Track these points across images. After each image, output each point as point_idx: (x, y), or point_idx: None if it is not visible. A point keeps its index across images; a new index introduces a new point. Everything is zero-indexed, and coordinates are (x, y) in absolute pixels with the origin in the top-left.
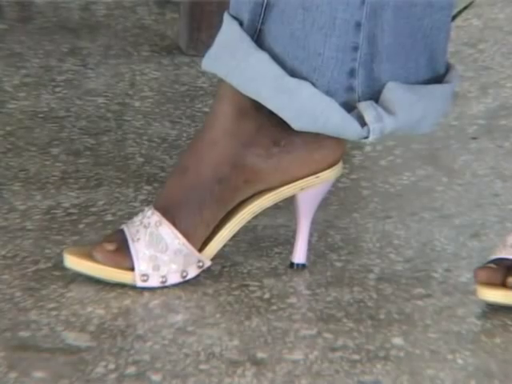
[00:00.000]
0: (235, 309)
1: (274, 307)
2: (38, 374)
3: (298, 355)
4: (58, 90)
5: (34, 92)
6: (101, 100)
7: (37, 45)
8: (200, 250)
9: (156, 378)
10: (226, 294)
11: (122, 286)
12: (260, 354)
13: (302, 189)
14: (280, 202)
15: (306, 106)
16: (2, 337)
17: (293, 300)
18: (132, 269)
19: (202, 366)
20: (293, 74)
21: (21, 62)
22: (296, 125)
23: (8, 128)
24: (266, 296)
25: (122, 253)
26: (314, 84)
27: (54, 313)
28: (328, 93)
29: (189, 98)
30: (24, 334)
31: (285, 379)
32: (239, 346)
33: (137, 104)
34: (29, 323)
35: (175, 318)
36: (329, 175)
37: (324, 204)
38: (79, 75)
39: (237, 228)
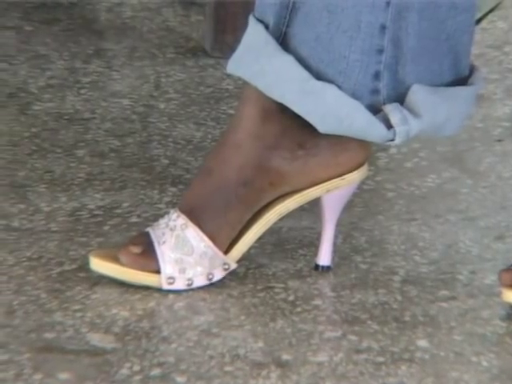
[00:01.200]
0: (260, 311)
1: (299, 309)
2: (63, 376)
3: (322, 357)
4: (83, 91)
5: (59, 94)
6: (126, 102)
7: (62, 46)
8: (226, 252)
9: (181, 379)
10: (251, 296)
11: (147, 287)
12: (285, 356)
13: (327, 191)
14: (305, 204)
15: (331, 109)
16: (27, 338)
17: (317, 302)
18: (158, 271)
19: (227, 368)
20: (318, 76)
21: (46, 63)
22: (322, 127)
23: (33, 130)
24: (291, 298)
25: (147, 256)
26: (339, 87)
27: (78, 314)
28: (353, 95)
29: (214, 99)
30: (49, 335)
31: (309, 381)
32: (264, 347)
33: (162, 106)
34: (54, 325)
35: (200, 319)
36: (354, 177)
37: (349, 206)
38: (104, 77)
39: (263, 230)
